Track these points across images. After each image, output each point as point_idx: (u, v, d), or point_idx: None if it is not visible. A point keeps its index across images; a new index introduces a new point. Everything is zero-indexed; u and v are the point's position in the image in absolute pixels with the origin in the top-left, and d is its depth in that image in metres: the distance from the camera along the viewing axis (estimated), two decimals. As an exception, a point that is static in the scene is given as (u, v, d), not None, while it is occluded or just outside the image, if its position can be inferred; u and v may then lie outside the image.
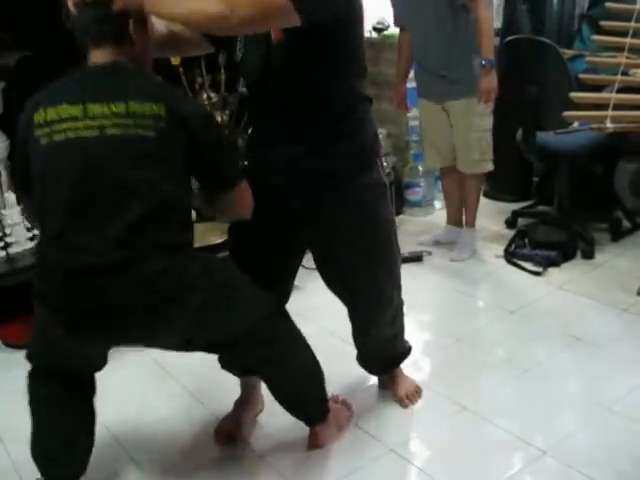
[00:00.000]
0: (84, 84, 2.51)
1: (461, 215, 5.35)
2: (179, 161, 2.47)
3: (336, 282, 3.17)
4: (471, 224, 5.18)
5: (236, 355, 2.97)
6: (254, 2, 2.39)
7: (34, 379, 2.87)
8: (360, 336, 3.36)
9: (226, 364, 3.23)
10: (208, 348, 2.83)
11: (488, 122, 4.87)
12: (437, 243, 5.34)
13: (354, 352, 3.49)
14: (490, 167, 5.03)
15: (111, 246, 2.37)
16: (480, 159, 4.94)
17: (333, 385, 3.48)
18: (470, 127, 4.83)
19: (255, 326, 2.74)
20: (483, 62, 4.55)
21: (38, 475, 2.88)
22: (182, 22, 2.53)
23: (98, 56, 2.53)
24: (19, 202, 2.88)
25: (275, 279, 3.05)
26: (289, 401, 3.06)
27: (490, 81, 4.58)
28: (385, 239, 3.06)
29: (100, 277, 2.39)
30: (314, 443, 3.21)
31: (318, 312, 3.73)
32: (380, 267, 3.10)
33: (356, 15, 2.70)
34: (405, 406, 3.46)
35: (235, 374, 3.29)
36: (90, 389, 2.89)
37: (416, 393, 3.51)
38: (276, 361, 2.88)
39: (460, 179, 5.19)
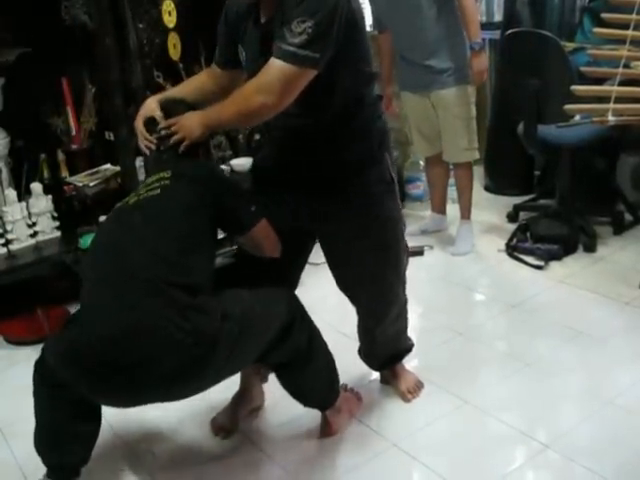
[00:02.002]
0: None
1: (445, 203, 5.46)
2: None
3: (345, 278, 3.20)
4: (467, 217, 5.19)
5: (261, 360, 2.94)
6: (280, 78, 2.53)
7: (41, 372, 2.82)
8: (365, 333, 3.39)
9: None
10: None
11: (473, 110, 4.92)
12: (424, 232, 5.35)
13: (355, 347, 3.50)
14: (477, 155, 5.06)
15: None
16: (468, 147, 4.97)
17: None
18: (459, 115, 4.86)
19: (275, 336, 2.78)
20: (473, 45, 4.61)
21: (42, 470, 2.89)
22: (235, 125, 3.13)
23: None
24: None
25: (284, 275, 3.09)
26: (303, 393, 3.12)
27: (482, 62, 4.67)
28: (393, 236, 3.09)
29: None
30: (328, 432, 3.25)
31: (319, 307, 3.72)
32: (388, 264, 3.12)
33: (357, 25, 2.70)
34: (407, 400, 3.47)
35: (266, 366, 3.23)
36: None
37: (417, 387, 3.52)
38: (295, 360, 2.93)
39: (446, 168, 5.29)
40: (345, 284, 3.22)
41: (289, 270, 3.16)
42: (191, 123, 2.72)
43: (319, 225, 3.01)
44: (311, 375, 3.03)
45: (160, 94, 3.08)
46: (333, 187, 2.86)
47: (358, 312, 3.32)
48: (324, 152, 2.83)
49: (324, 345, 3.06)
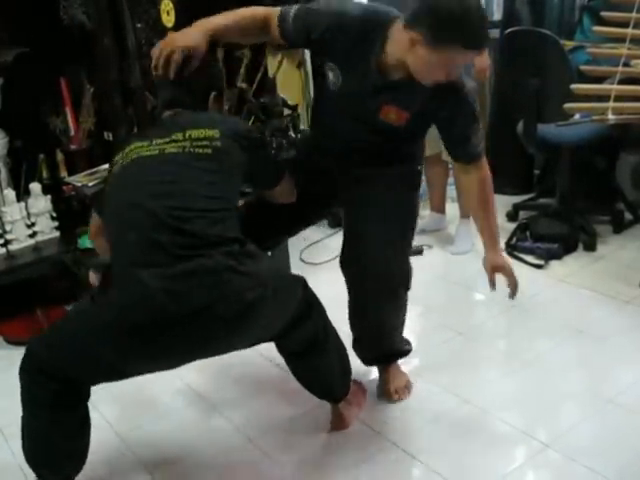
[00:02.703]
0: (150, 130, 2.93)
1: (444, 202, 5.47)
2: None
3: (358, 214, 3.27)
4: (467, 216, 5.19)
5: (283, 340, 2.99)
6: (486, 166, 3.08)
7: (30, 375, 2.87)
8: (359, 318, 3.38)
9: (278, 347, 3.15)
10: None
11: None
12: (424, 232, 5.34)
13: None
14: None
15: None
16: None
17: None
18: None
19: (295, 314, 2.84)
20: None
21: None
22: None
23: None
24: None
25: (292, 221, 3.37)
26: (318, 383, 3.20)
27: (484, 59, 4.64)
28: (407, 224, 3.27)
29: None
30: (340, 426, 3.30)
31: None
32: (398, 246, 3.24)
33: None
34: (392, 401, 3.47)
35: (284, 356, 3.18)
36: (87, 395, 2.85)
37: (406, 389, 3.52)
38: (313, 347, 2.99)
39: (445, 167, 5.29)
40: (357, 219, 3.28)
41: (299, 220, 3.41)
42: (188, 31, 3.05)
43: (345, 190, 3.27)
44: (327, 364, 3.08)
45: (202, 26, 3.34)
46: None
47: (354, 293, 3.34)
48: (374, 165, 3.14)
49: (337, 335, 3.12)
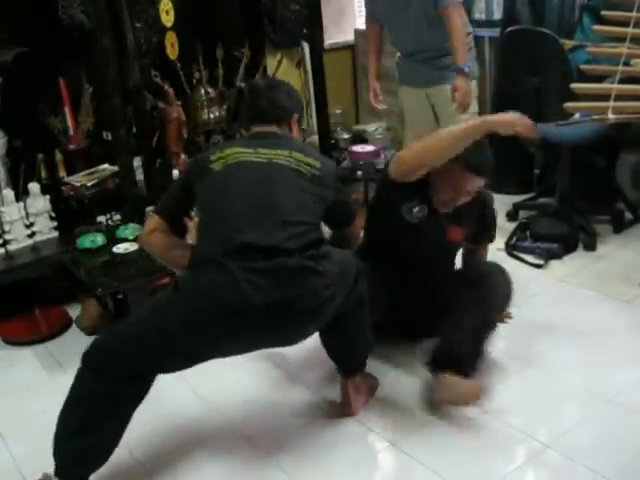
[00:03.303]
0: (251, 140, 3.28)
1: None
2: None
3: None
4: None
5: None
6: None
7: (93, 369, 2.87)
8: None
9: None
10: None
11: (476, 105, 4.89)
12: None
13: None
14: None
15: None
16: None
17: (334, 380, 3.50)
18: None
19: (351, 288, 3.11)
20: (462, 67, 4.49)
21: (40, 471, 2.89)
22: None
23: (265, 127, 3.32)
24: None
25: None
26: (351, 344, 3.34)
27: (468, 84, 4.55)
28: None
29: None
30: (347, 411, 3.41)
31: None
32: None
33: None
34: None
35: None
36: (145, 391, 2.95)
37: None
38: (357, 307, 3.18)
39: None
40: None
41: None
42: None
43: None
44: (362, 324, 3.26)
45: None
46: None
47: None
48: None
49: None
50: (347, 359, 3.42)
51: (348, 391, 3.41)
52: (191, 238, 3.50)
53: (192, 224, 3.45)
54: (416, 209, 3.52)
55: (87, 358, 2.88)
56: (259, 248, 2.82)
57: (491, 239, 3.98)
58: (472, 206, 3.61)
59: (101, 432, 2.84)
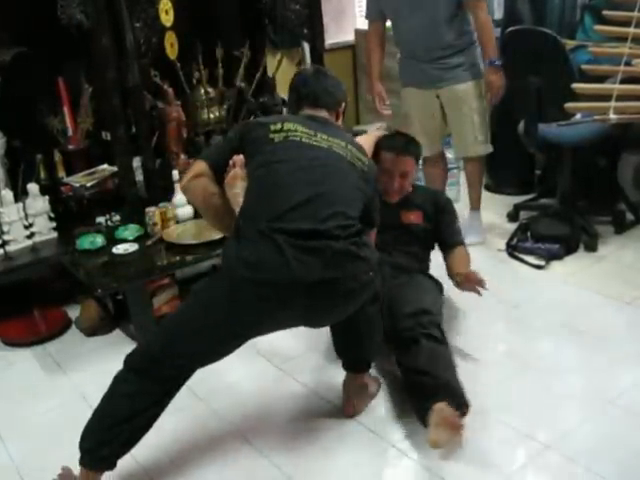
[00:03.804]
0: (311, 122, 3.25)
1: None
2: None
3: None
4: (477, 207, 5.29)
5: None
6: None
7: (131, 373, 2.96)
8: None
9: None
10: None
11: (485, 103, 4.97)
12: None
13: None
14: (491, 148, 5.11)
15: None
16: (485, 140, 5.03)
17: (335, 382, 3.51)
18: (476, 109, 4.92)
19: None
20: (494, 61, 4.71)
21: (39, 473, 2.90)
22: None
23: (316, 111, 3.35)
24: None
25: None
26: (366, 334, 3.34)
27: (501, 78, 4.76)
28: None
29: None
30: (350, 412, 3.44)
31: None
32: None
33: None
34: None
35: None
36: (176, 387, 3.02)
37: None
38: (372, 299, 3.20)
39: (444, 168, 5.39)
40: None
41: None
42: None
43: None
44: (374, 320, 3.30)
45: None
46: None
47: None
48: None
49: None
50: (355, 355, 3.45)
51: (350, 391, 3.44)
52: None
53: (197, 168, 3.27)
54: None
55: (129, 359, 2.97)
56: (309, 231, 2.86)
57: (460, 243, 4.16)
58: (422, 198, 4.16)
59: (136, 425, 2.92)
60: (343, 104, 3.47)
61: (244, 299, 2.84)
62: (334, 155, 3.11)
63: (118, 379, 2.93)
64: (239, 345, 3.03)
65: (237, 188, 3.16)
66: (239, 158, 3.19)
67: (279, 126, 3.15)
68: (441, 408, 3.04)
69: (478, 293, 3.77)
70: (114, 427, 2.86)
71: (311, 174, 3.03)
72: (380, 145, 3.96)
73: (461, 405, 3.15)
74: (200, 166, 3.24)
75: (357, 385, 3.45)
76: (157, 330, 3.18)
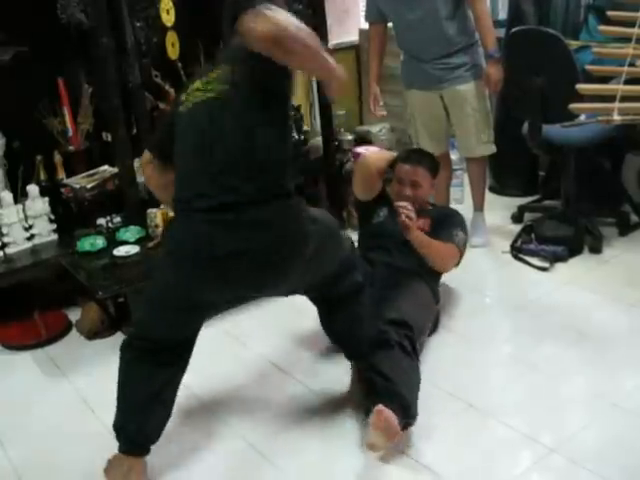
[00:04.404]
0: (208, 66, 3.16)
1: (448, 204, 5.44)
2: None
3: None
4: (481, 208, 5.32)
5: (325, 291, 3.30)
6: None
7: (129, 348, 3.10)
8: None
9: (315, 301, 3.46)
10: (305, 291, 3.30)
11: (489, 103, 5.02)
12: None
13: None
14: (494, 148, 5.14)
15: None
16: (487, 140, 5.06)
17: (335, 382, 3.52)
18: (479, 109, 4.94)
19: (342, 262, 3.23)
20: (492, 53, 4.72)
21: (38, 477, 2.92)
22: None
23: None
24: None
25: None
26: (357, 328, 3.40)
27: (500, 70, 4.75)
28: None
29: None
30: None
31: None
32: None
33: None
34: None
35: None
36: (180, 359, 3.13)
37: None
38: (354, 294, 3.33)
39: (449, 170, 5.39)
40: None
41: None
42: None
43: None
44: (364, 312, 3.39)
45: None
46: None
47: None
48: None
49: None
50: (348, 345, 3.51)
51: (356, 379, 3.53)
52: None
53: (143, 158, 3.30)
54: (381, 212, 4.28)
55: (123, 342, 3.11)
56: (210, 207, 2.78)
57: (450, 241, 4.13)
58: (437, 211, 4.41)
59: (159, 403, 3.07)
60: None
61: (179, 273, 2.93)
62: (208, 107, 2.85)
63: (120, 361, 3.09)
64: (202, 314, 3.14)
65: None
66: None
67: (186, 92, 3.01)
68: (380, 410, 3.06)
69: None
70: (145, 407, 3.04)
71: (200, 153, 2.84)
72: (397, 158, 4.26)
73: (407, 416, 3.17)
74: (145, 156, 3.28)
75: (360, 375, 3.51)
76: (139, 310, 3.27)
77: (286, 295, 3.34)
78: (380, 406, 3.08)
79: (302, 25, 2.63)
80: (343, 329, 3.42)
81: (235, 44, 2.84)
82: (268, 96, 2.82)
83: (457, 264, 4.19)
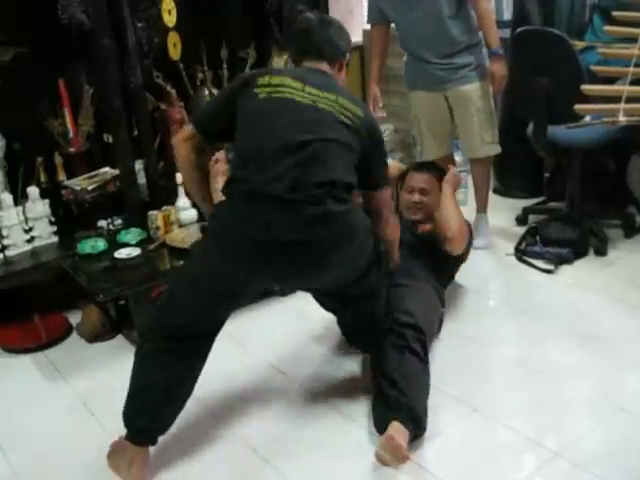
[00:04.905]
0: (302, 74, 3.23)
1: None
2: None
3: None
4: (484, 210, 5.32)
5: (340, 292, 3.39)
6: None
7: (149, 338, 3.15)
8: None
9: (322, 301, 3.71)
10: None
11: (493, 104, 5.03)
12: None
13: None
14: (499, 149, 5.14)
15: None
16: (492, 141, 5.06)
17: (335, 385, 3.52)
18: (483, 109, 4.94)
19: (368, 264, 3.27)
20: (496, 50, 4.73)
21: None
22: None
23: (317, 64, 3.32)
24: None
25: None
26: (364, 330, 3.54)
27: (504, 67, 4.77)
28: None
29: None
30: (365, 384, 3.64)
31: (319, 311, 3.76)
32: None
33: None
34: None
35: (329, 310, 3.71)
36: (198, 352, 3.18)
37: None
38: (375, 291, 3.41)
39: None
40: None
41: None
42: None
43: None
44: (371, 313, 3.45)
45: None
46: None
47: None
48: None
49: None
50: (358, 341, 3.66)
51: (365, 366, 3.73)
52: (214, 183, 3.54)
53: (184, 133, 3.35)
54: None
55: (142, 331, 3.24)
56: (282, 198, 2.90)
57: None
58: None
59: (175, 395, 3.13)
60: (347, 55, 3.43)
61: (230, 255, 2.99)
62: (318, 112, 3.06)
63: (137, 351, 3.16)
64: (233, 303, 3.19)
65: (218, 184, 3.23)
66: (221, 155, 3.24)
67: (267, 79, 3.13)
68: (391, 436, 3.06)
69: None
70: (161, 398, 3.09)
71: (288, 140, 2.98)
72: (407, 169, 4.54)
73: (417, 428, 3.20)
74: (187, 131, 3.32)
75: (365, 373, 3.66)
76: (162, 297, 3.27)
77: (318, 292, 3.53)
78: (392, 431, 3.09)
79: None
80: (354, 324, 3.59)
81: (352, 99, 3.21)
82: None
83: (465, 255, 4.31)
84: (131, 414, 3.09)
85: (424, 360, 3.45)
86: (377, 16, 5.04)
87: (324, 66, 3.30)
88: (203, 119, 3.33)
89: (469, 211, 5.12)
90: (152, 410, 3.07)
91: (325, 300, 3.64)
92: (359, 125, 3.11)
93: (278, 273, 3.06)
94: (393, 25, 5.06)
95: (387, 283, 3.51)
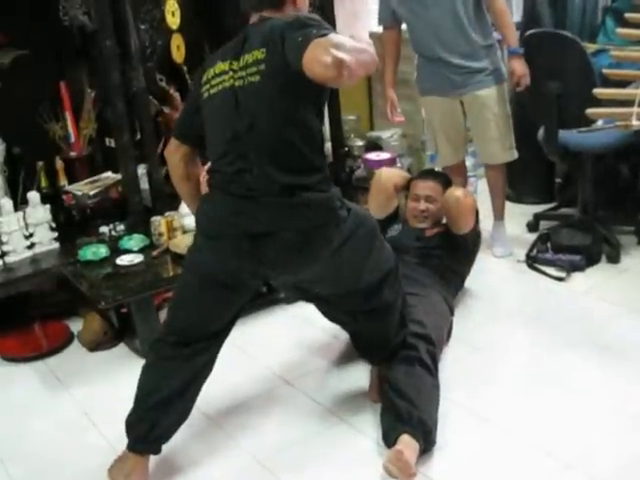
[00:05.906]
0: (232, 46, 3.03)
1: None
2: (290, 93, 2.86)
3: None
4: (501, 217, 5.31)
5: (349, 306, 3.43)
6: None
7: (157, 347, 3.21)
8: None
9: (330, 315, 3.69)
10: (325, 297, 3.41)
11: (508, 108, 5.01)
12: None
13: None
14: (516, 154, 5.11)
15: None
16: (510, 146, 5.06)
17: (336, 390, 3.52)
18: (501, 114, 4.93)
19: (379, 279, 3.29)
20: (515, 50, 4.75)
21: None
22: None
23: (254, 18, 3.07)
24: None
25: None
26: (376, 344, 3.53)
27: (524, 65, 4.75)
28: None
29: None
30: (372, 397, 3.63)
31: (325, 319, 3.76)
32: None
33: None
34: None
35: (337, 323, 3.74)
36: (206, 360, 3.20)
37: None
38: (388, 307, 3.39)
39: (465, 177, 5.39)
40: None
41: None
42: None
43: None
44: (382, 329, 3.45)
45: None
46: None
47: None
48: None
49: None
50: (368, 352, 3.67)
51: (373, 376, 3.66)
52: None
53: (170, 146, 3.38)
54: (394, 227, 4.51)
55: (151, 342, 3.26)
56: (245, 194, 2.92)
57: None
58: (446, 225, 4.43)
59: (174, 404, 3.13)
60: None
61: (214, 248, 3.03)
62: (249, 88, 2.87)
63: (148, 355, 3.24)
64: (234, 298, 3.17)
65: None
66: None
67: (205, 77, 3.06)
68: (400, 451, 3.06)
69: None
70: (165, 405, 3.11)
71: (235, 141, 2.93)
72: (413, 178, 4.61)
73: (427, 441, 3.20)
74: (172, 143, 3.35)
75: (378, 373, 3.60)
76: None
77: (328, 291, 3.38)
78: (401, 445, 3.09)
79: (362, 45, 2.77)
80: (363, 338, 3.64)
81: (270, 27, 2.88)
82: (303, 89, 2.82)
83: (477, 243, 4.53)
84: (131, 422, 3.12)
85: (434, 373, 3.47)
86: (390, 19, 5.01)
87: (267, 13, 2.99)
88: (181, 128, 3.33)
89: (481, 219, 5.12)
90: (151, 418, 3.09)
91: (335, 314, 3.62)
92: (274, 54, 2.79)
93: (262, 261, 3.01)
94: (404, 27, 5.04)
95: (403, 297, 3.50)
